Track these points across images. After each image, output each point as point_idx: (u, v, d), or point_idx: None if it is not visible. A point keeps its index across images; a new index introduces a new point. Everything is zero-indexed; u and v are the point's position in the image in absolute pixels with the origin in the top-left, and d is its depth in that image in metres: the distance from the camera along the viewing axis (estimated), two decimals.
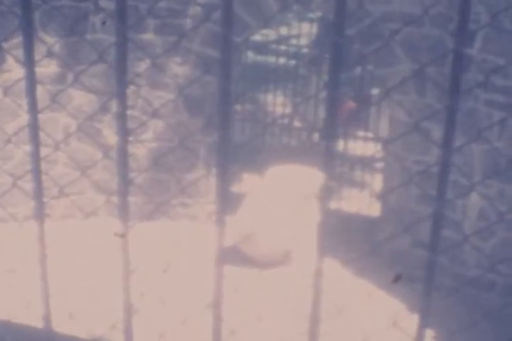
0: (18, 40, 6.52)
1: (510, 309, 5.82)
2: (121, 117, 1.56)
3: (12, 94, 6.56)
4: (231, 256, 6.65)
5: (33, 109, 1.67)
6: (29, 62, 1.63)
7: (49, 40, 7.22)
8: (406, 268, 6.66)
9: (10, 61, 7.14)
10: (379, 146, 9.90)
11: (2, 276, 6.25)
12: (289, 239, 6.96)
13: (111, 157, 6.36)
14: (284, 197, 7.00)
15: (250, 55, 11.60)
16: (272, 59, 11.42)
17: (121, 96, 1.54)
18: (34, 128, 1.68)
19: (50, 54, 7.18)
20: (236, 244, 6.97)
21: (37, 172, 1.71)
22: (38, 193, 1.72)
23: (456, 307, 6.16)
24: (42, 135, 1.71)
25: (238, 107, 10.49)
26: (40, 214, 1.73)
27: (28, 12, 1.61)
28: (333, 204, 7.92)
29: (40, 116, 1.70)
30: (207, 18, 7.18)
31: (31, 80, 1.64)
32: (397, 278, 6.42)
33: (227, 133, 1.46)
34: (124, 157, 1.57)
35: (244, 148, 9.06)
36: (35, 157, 1.70)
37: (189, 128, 7.59)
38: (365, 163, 8.95)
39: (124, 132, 1.56)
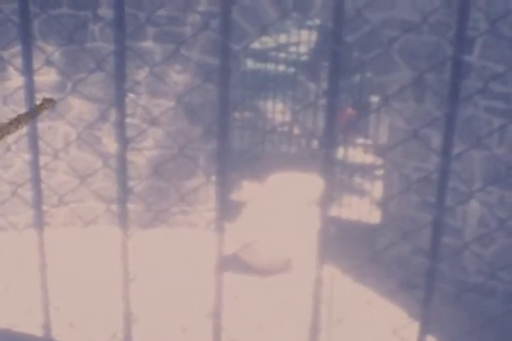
0: (17, 48, 6.54)
1: (511, 315, 5.81)
2: (121, 125, 1.56)
3: (12, 103, 6.58)
4: (231, 263, 6.64)
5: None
6: (27, 71, 1.63)
7: (49, 49, 7.23)
8: (406, 275, 6.65)
9: (10, 69, 7.15)
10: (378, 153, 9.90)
11: (2, 284, 6.24)
12: (290, 247, 6.94)
13: (111, 165, 6.35)
14: (284, 205, 6.99)
15: (249, 63, 11.61)
16: (271, 66, 11.45)
17: (120, 105, 1.54)
18: (33, 136, 1.68)
19: (49, 62, 7.19)
20: (236, 252, 6.96)
21: (36, 181, 1.70)
22: (38, 202, 1.72)
23: (457, 313, 6.14)
24: (42, 143, 1.72)
25: (237, 115, 10.49)
26: (39, 223, 1.73)
27: (27, 21, 1.62)
28: (333, 212, 7.92)
29: (40, 125, 1.70)
30: (206, 26, 7.19)
31: (30, 89, 1.64)
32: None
33: (226, 141, 1.46)
34: (123, 165, 1.57)
35: (243, 155, 9.06)
36: (35, 165, 1.70)
37: (189, 136, 7.59)
38: (365, 170, 8.95)
39: (124, 140, 1.56)
